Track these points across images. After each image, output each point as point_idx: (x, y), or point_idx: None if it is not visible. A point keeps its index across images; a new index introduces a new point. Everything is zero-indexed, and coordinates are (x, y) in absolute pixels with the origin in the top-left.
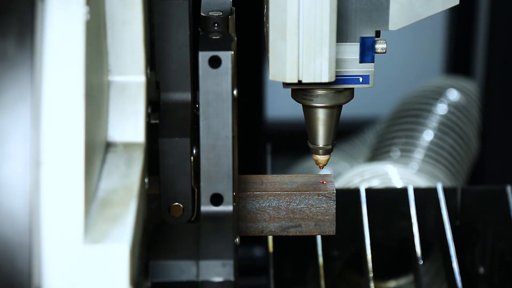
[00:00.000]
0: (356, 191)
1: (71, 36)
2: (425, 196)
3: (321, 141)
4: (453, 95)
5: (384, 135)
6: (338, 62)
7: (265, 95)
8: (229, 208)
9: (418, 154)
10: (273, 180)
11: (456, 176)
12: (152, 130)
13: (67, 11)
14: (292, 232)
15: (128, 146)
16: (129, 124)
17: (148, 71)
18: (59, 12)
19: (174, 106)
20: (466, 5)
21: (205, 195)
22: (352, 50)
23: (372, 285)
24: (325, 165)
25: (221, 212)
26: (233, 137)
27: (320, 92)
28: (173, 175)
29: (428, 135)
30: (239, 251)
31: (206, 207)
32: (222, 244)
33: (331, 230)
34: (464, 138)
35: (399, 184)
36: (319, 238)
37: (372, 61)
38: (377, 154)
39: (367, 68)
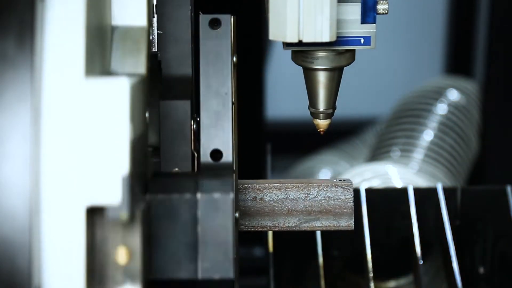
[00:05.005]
0: (356, 191)
1: (71, 36)
2: (425, 196)
3: (321, 104)
4: (453, 95)
5: (384, 135)
6: (339, 23)
7: (265, 95)
8: (229, 160)
9: (418, 154)
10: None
11: (456, 176)
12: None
13: (67, 11)
14: (310, 226)
15: None
16: None
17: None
18: (59, 12)
19: (176, 78)
20: (466, 5)
21: (205, 151)
22: (353, 11)
23: (372, 285)
24: (325, 129)
25: (221, 164)
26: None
27: (320, 54)
28: (173, 138)
29: (428, 135)
30: (239, 251)
31: (206, 162)
32: (221, 181)
33: (350, 224)
34: (464, 138)
35: (399, 184)
36: (319, 237)
37: (374, 22)
38: (377, 154)
39: (368, 29)
